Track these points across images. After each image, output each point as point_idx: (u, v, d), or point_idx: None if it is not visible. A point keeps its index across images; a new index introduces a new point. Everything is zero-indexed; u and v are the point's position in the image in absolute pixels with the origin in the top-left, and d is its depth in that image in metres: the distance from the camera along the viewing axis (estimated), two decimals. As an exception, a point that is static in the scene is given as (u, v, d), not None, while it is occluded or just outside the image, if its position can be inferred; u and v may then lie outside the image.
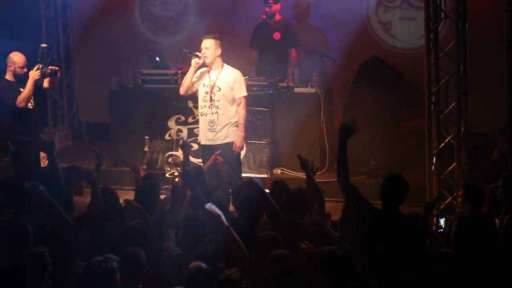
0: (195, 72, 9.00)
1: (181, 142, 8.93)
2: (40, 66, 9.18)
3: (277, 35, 10.85)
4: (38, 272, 5.70)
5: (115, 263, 5.50)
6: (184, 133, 10.63)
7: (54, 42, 12.58)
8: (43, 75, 9.21)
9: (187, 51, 9.01)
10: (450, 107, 8.88)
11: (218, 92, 8.98)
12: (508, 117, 10.14)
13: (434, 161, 8.85)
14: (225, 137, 9.02)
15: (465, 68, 8.74)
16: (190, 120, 10.61)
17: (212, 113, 8.99)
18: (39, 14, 12.45)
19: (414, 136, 10.40)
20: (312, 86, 10.41)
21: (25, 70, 9.23)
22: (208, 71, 9.05)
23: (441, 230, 7.70)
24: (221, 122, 8.99)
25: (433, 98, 8.79)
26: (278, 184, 7.98)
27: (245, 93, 9.07)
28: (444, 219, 8.13)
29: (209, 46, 8.92)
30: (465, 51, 8.72)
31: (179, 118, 10.65)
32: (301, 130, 10.36)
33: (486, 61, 10.83)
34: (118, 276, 5.52)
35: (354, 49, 11.52)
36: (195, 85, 9.10)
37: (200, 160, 10.42)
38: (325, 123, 10.33)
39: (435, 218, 8.49)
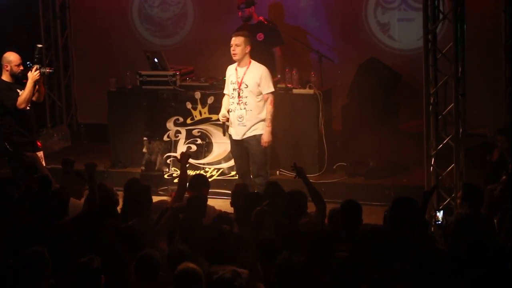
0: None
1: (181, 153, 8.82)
2: (39, 66, 9.23)
3: (260, 36, 10.85)
4: (37, 271, 5.72)
5: (98, 262, 5.60)
6: (183, 134, 10.62)
7: (52, 43, 12.58)
8: (42, 75, 9.25)
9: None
10: (448, 108, 8.89)
11: (246, 89, 9.14)
12: (508, 117, 10.15)
13: (432, 162, 8.85)
14: (254, 130, 9.18)
15: (464, 69, 8.74)
16: (188, 121, 10.61)
17: (241, 109, 9.16)
18: (38, 15, 12.45)
19: (412, 137, 10.40)
20: (310, 87, 10.40)
21: (21, 68, 9.27)
22: (236, 68, 9.21)
23: (439, 222, 7.71)
24: (250, 118, 9.14)
25: (432, 99, 8.80)
26: (272, 186, 7.97)
27: (272, 89, 9.22)
28: (442, 212, 8.13)
29: (240, 43, 9.11)
30: (463, 52, 8.73)
31: (178, 119, 10.65)
32: (300, 131, 10.36)
33: (484, 62, 10.84)
34: (103, 276, 5.62)
35: (352, 50, 11.53)
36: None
37: (199, 161, 10.46)
38: (324, 124, 10.33)
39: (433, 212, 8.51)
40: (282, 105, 10.40)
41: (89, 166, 7.40)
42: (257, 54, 9.91)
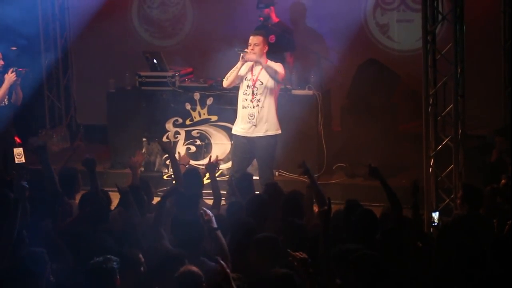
0: (241, 67, 9.18)
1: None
2: (14, 68, 9.44)
3: (272, 38, 10.85)
4: (36, 272, 5.73)
5: (115, 263, 5.58)
6: (182, 135, 10.63)
7: (51, 44, 12.59)
8: (18, 76, 9.44)
9: (238, 49, 9.17)
10: (447, 109, 8.89)
11: (260, 86, 9.15)
12: (507, 118, 10.16)
13: (431, 163, 8.85)
14: (266, 131, 9.17)
15: (463, 70, 8.74)
16: (187, 122, 10.61)
17: (253, 107, 9.13)
18: (37, 16, 12.44)
19: (411, 138, 10.40)
20: (309, 88, 10.41)
21: (2, 62, 9.50)
22: (252, 66, 9.19)
23: (435, 224, 7.70)
24: (262, 115, 9.13)
25: (431, 100, 8.80)
26: (271, 187, 7.95)
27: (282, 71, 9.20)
28: (437, 213, 8.14)
29: (258, 43, 9.13)
30: (463, 53, 8.73)
31: (177, 120, 10.65)
32: (299, 132, 10.34)
33: (483, 63, 10.84)
34: (118, 277, 5.59)
35: (351, 51, 11.52)
36: (238, 79, 9.26)
37: (198, 162, 10.45)
38: (323, 125, 10.33)
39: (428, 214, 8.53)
40: (281, 105, 10.41)
41: (87, 161, 7.43)
42: (268, 56, 9.96)
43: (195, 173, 8.31)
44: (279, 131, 9.28)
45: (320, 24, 11.84)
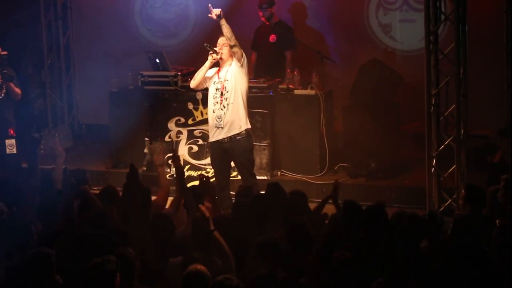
0: (210, 67, 9.09)
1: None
2: (2, 71, 9.65)
3: (273, 38, 10.88)
4: (43, 272, 5.74)
5: (114, 264, 5.55)
6: (184, 135, 10.63)
7: (54, 43, 12.59)
8: (7, 79, 9.67)
9: (207, 45, 9.05)
10: (450, 109, 8.90)
11: (228, 83, 9.01)
12: (509, 118, 10.15)
13: (434, 163, 8.86)
14: (240, 127, 9.01)
15: (465, 70, 8.76)
16: (190, 121, 10.61)
17: (222, 109, 9.00)
18: (39, 15, 12.45)
19: (414, 138, 10.41)
20: (312, 88, 10.40)
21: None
22: (218, 71, 9.10)
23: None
24: (229, 116, 8.96)
25: (433, 100, 8.81)
26: (273, 187, 7.94)
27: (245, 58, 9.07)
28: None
29: (227, 44, 9.01)
30: (465, 53, 8.74)
31: (179, 120, 10.65)
32: (301, 132, 10.36)
33: (486, 63, 10.84)
34: (118, 277, 5.58)
35: (354, 51, 11.53)
36: (206, 82, 9.17)
37: (200, 162, 10.46)
38: (325, 125, 10.32)
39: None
40: (284, 105, 10.43)
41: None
42: (268, 55, 9.92)
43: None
44: (249, 126, 9.10)
45: (323, 24, 11.85)
